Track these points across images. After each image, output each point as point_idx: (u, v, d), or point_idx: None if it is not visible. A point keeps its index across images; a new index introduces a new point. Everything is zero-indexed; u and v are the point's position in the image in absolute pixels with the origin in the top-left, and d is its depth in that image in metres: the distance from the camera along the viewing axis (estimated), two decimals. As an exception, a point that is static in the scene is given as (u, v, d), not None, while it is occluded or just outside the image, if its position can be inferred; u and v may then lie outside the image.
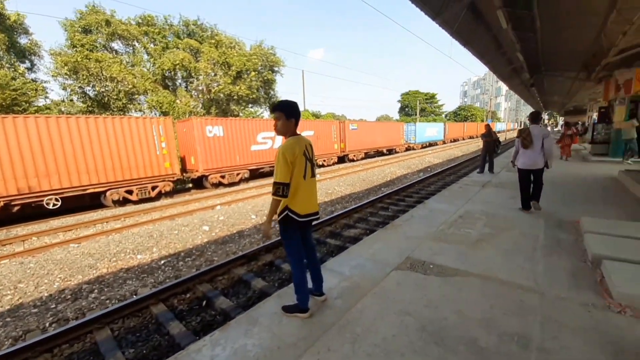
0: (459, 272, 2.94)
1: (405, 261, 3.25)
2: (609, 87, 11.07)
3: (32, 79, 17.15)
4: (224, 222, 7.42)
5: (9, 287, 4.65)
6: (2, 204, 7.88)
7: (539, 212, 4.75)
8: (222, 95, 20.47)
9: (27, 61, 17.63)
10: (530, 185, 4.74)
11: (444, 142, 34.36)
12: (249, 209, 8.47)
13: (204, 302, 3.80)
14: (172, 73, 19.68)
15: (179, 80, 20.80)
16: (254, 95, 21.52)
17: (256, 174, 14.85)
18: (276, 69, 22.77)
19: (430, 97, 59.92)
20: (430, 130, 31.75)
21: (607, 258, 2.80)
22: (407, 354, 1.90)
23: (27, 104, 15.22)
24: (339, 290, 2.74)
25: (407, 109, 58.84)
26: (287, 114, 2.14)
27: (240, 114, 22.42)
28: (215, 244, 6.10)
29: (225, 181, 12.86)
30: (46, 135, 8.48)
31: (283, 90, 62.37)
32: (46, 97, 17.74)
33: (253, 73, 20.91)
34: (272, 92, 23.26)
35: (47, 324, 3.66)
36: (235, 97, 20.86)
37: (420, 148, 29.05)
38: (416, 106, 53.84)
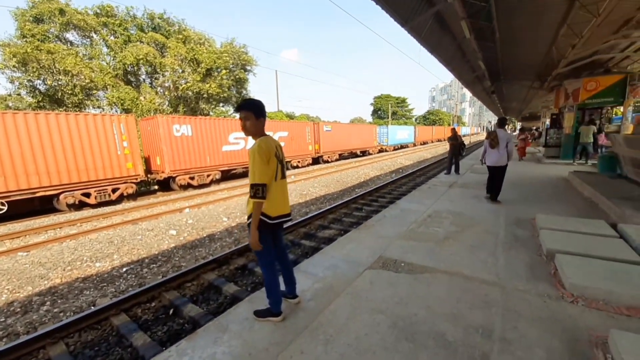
0: (427, 269, 3.04)
1: (378, 260, 3.30)
2: (560, 95, 12.19)
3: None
4: (193, 225, 7.10)
5: (-62, 303, 4.09)
6: None
7: (500, 210, 5.12)
8: (190, 93, 19.63)
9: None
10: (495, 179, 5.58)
11: (414, 145, 35.75)
12: (220, 212, 8.19)
13: (171, 311, 3.59)
14: (135, 68, 18.51)
15: (143, 76, 19.62)
16: (225, 94, 20.86)
17: (228, 175, 14.43)
18: (248, 67, 22.28)
19: (402, 101, 62.12)
20: (402, 133, 32.88)
21: (560, 252, 3.05)
22: (379, 351, 1.92)
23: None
24: (312, 291, 2.72)
25: (379, 112, 60.48)
26: (256, 114, 2.06)
27: (211, 113, 21.66)
28: (183, 248, 5.81)
29: (194, 183, 12.34)
30: (-13, 133, 7.61)
31: (256, 90, 61.38)
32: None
33: (224, 71, 20.28)
34: (244, 92, 22.71)
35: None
36: (205, 96, 20.10)
37: (393, 150, 29.97)
38: (388, 109, 55.52)
